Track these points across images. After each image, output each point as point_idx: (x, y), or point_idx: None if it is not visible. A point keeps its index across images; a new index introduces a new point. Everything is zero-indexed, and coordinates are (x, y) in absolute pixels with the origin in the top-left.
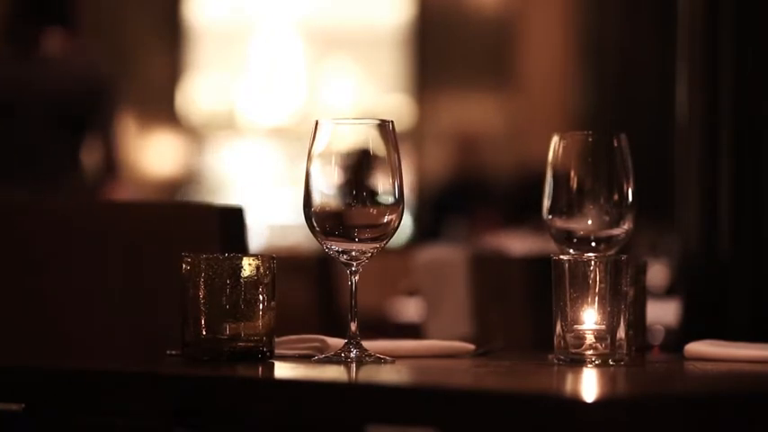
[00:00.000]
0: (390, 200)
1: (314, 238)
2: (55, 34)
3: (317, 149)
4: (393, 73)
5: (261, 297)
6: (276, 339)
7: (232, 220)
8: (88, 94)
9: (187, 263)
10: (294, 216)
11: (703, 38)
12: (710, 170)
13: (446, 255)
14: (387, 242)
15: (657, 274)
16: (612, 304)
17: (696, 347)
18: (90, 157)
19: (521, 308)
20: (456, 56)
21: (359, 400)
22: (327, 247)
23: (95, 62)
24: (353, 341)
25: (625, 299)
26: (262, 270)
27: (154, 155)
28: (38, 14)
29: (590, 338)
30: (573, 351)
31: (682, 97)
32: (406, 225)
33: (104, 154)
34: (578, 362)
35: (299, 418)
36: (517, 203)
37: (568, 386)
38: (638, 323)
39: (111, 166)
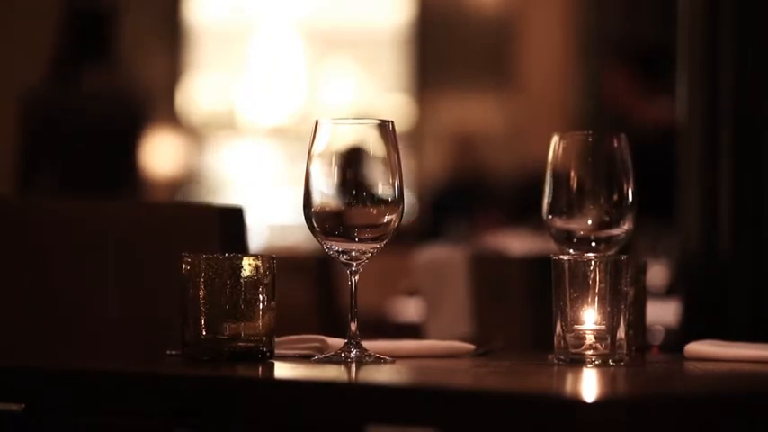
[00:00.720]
0: (390, 200)
1: (314, 238)
2: (96, 68)
3: (316, 149)
4: (393, 73)
5: (261, 297)
6: (276, 339)
7: (232, 220)
8: (126, 122)
9: (187, 263)
10: (294, 216)
11: (703, 38)
12: (710, 170)
13: (446, 255)
14: (387, 242)
15: (657, 274)
16: (612, 304)
17: (696, 347)
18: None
19: (521, 308)
20: (456, 56)
21: (359, 400)
22: (327, 247)
23: (132, 94)
24: (353, 341)
25: (625, 299)
26: (262, 270)
27: (154, 155)
28: (82, 50)
29: (590, 338)
30: (573, 351)
31: (682, 97)
32: (406, 225)
33: (134, 172)
34: (578, 362)
35: (299, 418)
36: (517, 203)
37: (568, 386)
38: (638, 323)
39: (140, 183)
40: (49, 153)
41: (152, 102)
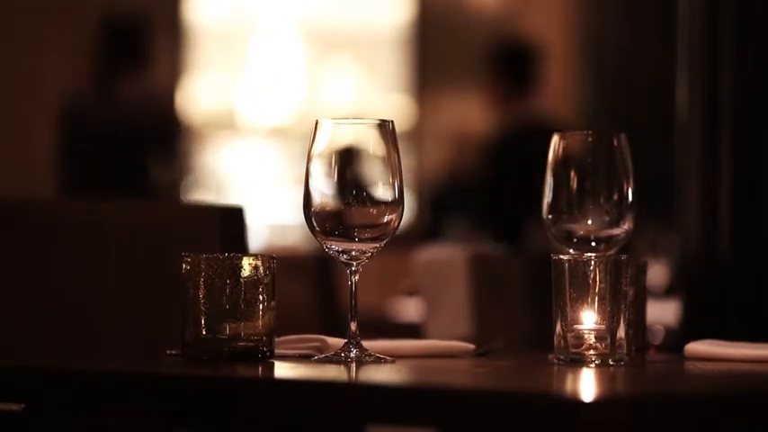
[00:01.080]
0: (390, 200)
1: (314, 238)
2: (132, 76)
3: (316, 149)
4: (393, 73)
5: (261, 297)
6: (276, 339)
7: (232, 220)
8: (158, 126)
9: (187, 263)
10: (294, 216)
11: (703, 38)
12: (710, 170)
13: (446, 255)
14: (387, 242)
15: (657, 274)
16: (612, 304)
17: (696, 347)
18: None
19: (521, 308)
20: (456, 56)
21: (359, 400)
22: (327, 247)
23: (163, 100)
24: (353, 341)
25: (625, 299)
26: (262, 270)
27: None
28: (118, 60)
29: (590, 338)
30: (573, 351)
31: (682, 97)
32: (406, 225)
33: (171, 172)
34: (578, 362)
35: (299, 418)
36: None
37: (568, 386)
38: (638, 323)
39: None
40: (86, 155)
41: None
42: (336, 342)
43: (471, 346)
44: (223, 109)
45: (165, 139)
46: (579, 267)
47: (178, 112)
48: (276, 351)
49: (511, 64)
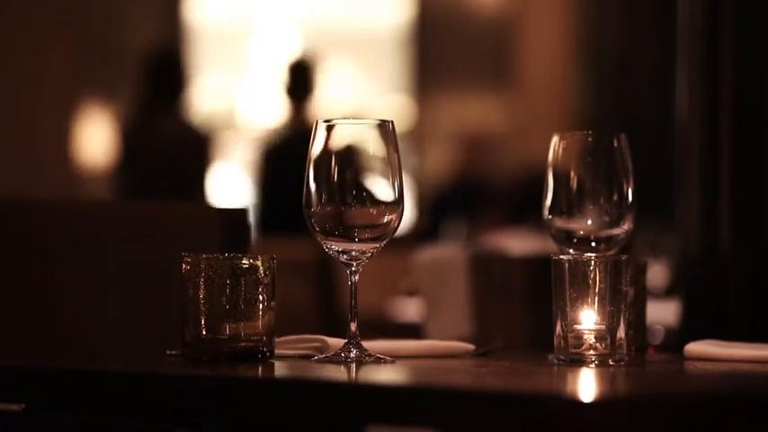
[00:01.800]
0: (390, 200)
1: (314, 238)
2: (171, 103)
3: (316, 150)
4: (393, 73)
5: (261, 297)
6: (276, 339)
7: (234, 221)
8: (193, 150)
9: (187, 263)
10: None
11: (703, 38)
12: (710, 170)
13: (446, 255)
14: (387, 242)
15: (657, 274)
16: (612, 304)
17: (696, 347)
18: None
19: (521, 308)
20: (456, 56)
21: (359, 400)
22: (327, 247)
23: (199, 127)
24: (353, 341)
25: (625, 299)
26: (262, 270)
27: None
28: (160, 90)
29: (590, 338)
30: (573, 351)
31: (682, 97)
32: (406, 225)
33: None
34: (578, 362)
35: (299, 418)
36: (518, 203)
37: (568, 386)
38: (638, 323)
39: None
40: (139, 169)
41: (214, 130)
42: (336, 342)
43: (471, 346)
44: (223, 109)
45: (200, 156)
46: (579, 267)
47: (212, 133)
48: (276, 351)
49: (292, 73)
